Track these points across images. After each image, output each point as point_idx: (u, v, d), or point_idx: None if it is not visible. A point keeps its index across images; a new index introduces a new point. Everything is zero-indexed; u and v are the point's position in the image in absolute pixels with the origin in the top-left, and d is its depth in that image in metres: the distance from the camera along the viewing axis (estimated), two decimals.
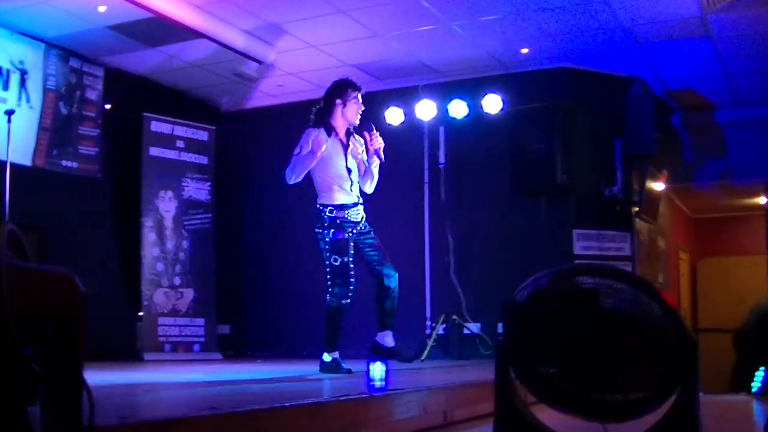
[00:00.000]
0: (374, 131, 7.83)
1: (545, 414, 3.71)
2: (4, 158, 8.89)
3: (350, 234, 7.55)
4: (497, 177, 11.20)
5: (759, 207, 15.05)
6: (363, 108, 7.86)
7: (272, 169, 12.53)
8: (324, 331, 7.65)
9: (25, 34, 9.99)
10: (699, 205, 16.94)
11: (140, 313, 10.95)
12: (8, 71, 9.89)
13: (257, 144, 12.80)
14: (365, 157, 7.81)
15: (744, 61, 10.93)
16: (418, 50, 10.72)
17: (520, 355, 3.63)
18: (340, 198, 7.61)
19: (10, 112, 9.05)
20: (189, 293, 11.41)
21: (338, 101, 7.80)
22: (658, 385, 3.40)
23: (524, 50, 10.66)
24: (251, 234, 12.74)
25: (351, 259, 7.51)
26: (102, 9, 9.33)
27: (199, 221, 11.72)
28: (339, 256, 7.49)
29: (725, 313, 15.72)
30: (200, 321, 11.47)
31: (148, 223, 11.18)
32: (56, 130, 10.33)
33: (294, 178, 7.63)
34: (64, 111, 10.46)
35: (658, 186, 12.20)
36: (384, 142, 7.83)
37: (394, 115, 11.18)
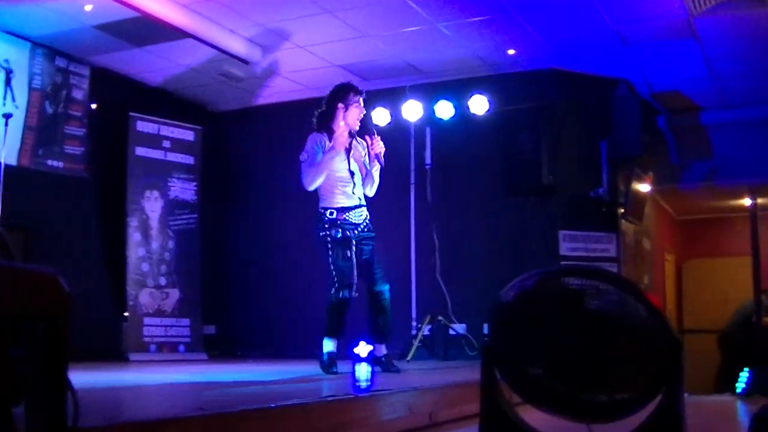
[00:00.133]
0: (375, 135, 7.87)
1: (531, 414, 3.71)
2: None
3: (351, 234, 7.58)
4: (483, 178, 11.22)
5: (744, 209, 15.09)
6: (365, 112, 7.92)
7: (259, 169, 12.60)
8: (326, 323, 7.69)
9: (10, 33, 9.96)
10: (684, 207, 16.97)
11: (125, 314, 10.91)
12: None
13: (244, 144, 12.80)
14: (367, 161, 7.85)
15: (730, 63, 10.96)
16: (405, 51, 10.72)
17: (506, 356, 3.63)
18: (342, 201, 7.66)
19: (8, 116, 9.07)
20: (174, 293, 11.39)
21: (340, 105, 7.84)
22: (644, 386, 3.40)
23: (511, 51, 10.67)
24: (237, 234, 12.73)
25: (353, 255, 7.55)
26: (88, 8, 9.31)
27: (185, 221, 11.69)
28: (342, 252, 7.54)
29: (710, 314, 15.79)
30: (186, 321, 11.44)
31: (133, 223, 11.15)
32: (42, 130, 10.30)
33: (312, 184, 7.67)
34: (49, 110, 10.42)
35: (643, 187, 12.22)
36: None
37: (380, 116, 11.16)
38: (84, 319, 10.16)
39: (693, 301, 17.40)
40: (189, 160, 11.82)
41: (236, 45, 10.21)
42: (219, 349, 11.99)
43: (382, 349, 7.80)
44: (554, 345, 3.47)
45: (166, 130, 11.61)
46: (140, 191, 11.27)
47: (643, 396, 3.40)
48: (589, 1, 9.18)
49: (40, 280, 2.75)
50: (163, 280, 11.31)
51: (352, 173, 7.75)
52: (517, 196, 10.95)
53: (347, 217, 7.63)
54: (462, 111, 11.11)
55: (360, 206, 7.76)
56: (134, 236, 11.14)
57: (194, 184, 11.84)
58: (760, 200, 14.44)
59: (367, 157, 7.87)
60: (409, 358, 10.15)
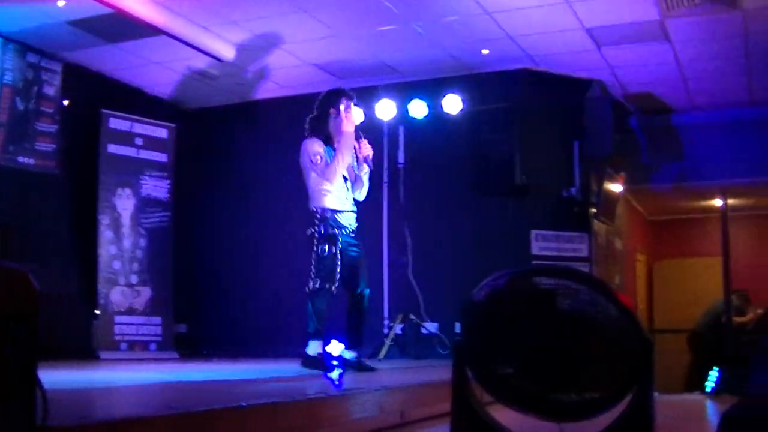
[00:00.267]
0: (362, 139, 7.93)
1: (502, 414, 3.72)
2: None
3: (339, 233, 7.61)
4: (456, 177, 11.23)
5: (715, 209, 15.17)
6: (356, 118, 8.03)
7: (232, 168, 12.57)
8: (308, 321, 7.69)
9: None
10: (656, 207, 17.06)
11: (96, 312, 10.86)
12: None
13: (217, 143, 12.77)
14: (355, 164, 7.90)
15: (701, 65, 11.02)
16: (379, 50, 10.72)
17: (477, 355, 3.64)
18: (334, 204, 7.71)
19: None
20: (146, 292, 11.34)
21: (332, 111, 7.87)
22: (614, 386, 3.42)
23: (485, 51, 10.68)
24: (210, 233, 12.69)
25: (338, 252, 7.58)
26: (61, 3, 9.25)
27: (158, 219, 11.65)
28: (328, 246, 7.57)
29: (681, 314, 15.87)
30: (157, 320, 11.40)
31: (105, 220, 11.09)
32: (12, 126, 10.22)
33: (334, 179, 7.72)
34: (20, 106, 10.34)
35: (615, 188, 12.27)
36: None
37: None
38: (55, 318, 10.13)
39: (664, 301, 17.48)
40: (162, 157, 11.77)
41: (210, 43, 10.18)
42: (190, 348, 11.95)
43: (354, 353, 7.83)
44: (525, 344, 3.48)
45: (139, 128, 11.55)
46: (112, 189, 11.21)
47: (613, 395, 3.41)
48: (562, 3, 9.20)
49: (9, 278, 2.74)
50: (134, 279, 11.26)
51: (345, 178, 7.81)
52: (490, 195, 10.96)
53: (338, 218, 7.68)
54: (435, 110, 11.12)
55: (351, 211, 7.83)
56: (106, 234, 11.08)
57: (167, 182, 11.79)
58: (730, 201, 14.52)
59: (355, 160, 7.93)
60: (380, 357, 10.16)
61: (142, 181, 11.52)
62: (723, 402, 8.22)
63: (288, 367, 8.17)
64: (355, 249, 7.82)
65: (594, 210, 11.62)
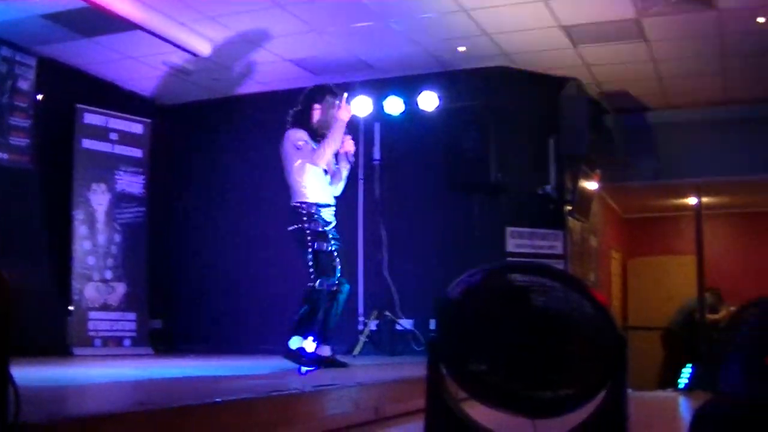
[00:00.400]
0: (346, 135, 7.96)
1: (476, 410, 3.72)
2: None
3: (327, 229, 7.66)
4: (432, 174, 11.23)
5: (689, 208, 15.26)
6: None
7: (207, 163, 12.54)
8: (304, 318, 7.68)
9: None
10: (631, 205, 17.12)
11: (70, 308, 10.81)
12: None
13: (193, 138, 12.74)
14: (333, 160, 7.95)
15: (677, 64, 11.07)
16: (355, 46, 10.71)
17: (452, 352, 3.64)
18: (317, 197, 7.76)
19: None
20: (121, 287, 11.30)
21: (317, 107, 7.90)
22: (588, 382, 3.43)
23: (461, 48, 10.69)
24: (185, 229, 12.66)
25: (333, 248, 7.61)
26: None
27: (132, 215, 11.60)
28: (323, 243, 7.61)
29: (655, 311, 15.96)
30: (132, 315, 11.36)
31: (79, 216, 11.03)
32: None
33: (322, 162, 7.83)
34: None
35: (591, 185, 12.31)
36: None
37: None
38: (28, 313, 10.06)
39: (638, 298, 17.56)
40: (137, 153, 11.73)
41: (187, 38, 10.15)
42: (165, 344, 11.91)
43: (328, 350, 7.85)
44: (499, 341, 3.48)
45: (113, 123, 11.49)
46: (87, 184, 11.16)
47: (587, 392, 3.42)
48: (539, 0, 9.22)
49: None
50: (109, 274, 11.21)
51: (326, 171, 7.86)
52: (465, 192, 10.96)
53: (322, 214, 7.72)
54: (411, 107, 11.13)
55: (331, 206, 7.88)
56: (80, 229, 11.03)
57: (142, 177, 11.74)
58: (705, 199, 14.59)
59: (334, 156, 7.98)
60: (355, 353, 10.16)
61: (117, 177, 11.46)
62: (696, 399, 8.25)
63: (263, 364, 8.16)
64: (337, 243, 7.86)
65: (569, 207, 11.65)
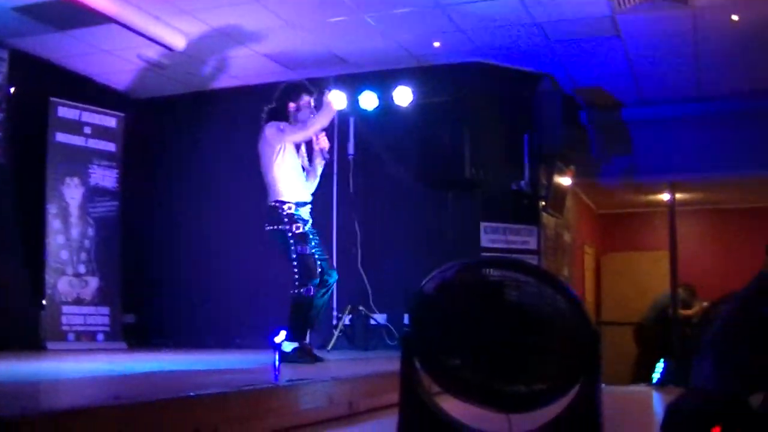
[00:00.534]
0: (321, 132, 7.99)
1: (450, 404, 3.74)
2: None
3: (306, 228, 7.70)
4: (406, 169, 11.24)
5: (662, 204, 15.32)
6: (315, 113, 8.05)
7: (181, 158, 12.51)
8: (289, 321, 7.70)
9: None
10: (605, 201, 17.19)
11: (43, 302, 10.76)
12: None
13: (166, 132, 12.71)
14: (306, 158, 8.01)
15: (651, 60, 11.11)
16: (330, 41, 10.70)
17: (426, 346, 3.65)
18: (295, 195, 7.81)
19: None
20: (94, 282, 11.25)
21: (292, 105, 7.91)
22: (562, 377, 3.45)
23: (436, 44, 10.69)
24: (158, 223, 12.62)
25: (314, 250, 7.64)
26: None
27: (106, 209, 11.55)
28: (304, 245, 7.63)
29: (628, 306, 16.03)
30: (105, 310, 11.31)
31: (52, 210, 10.97)
32: None
33: (311, 131, 7.92)
34: None
35: (565, 181, 12.34)
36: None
37: None
38: (0, 307, 10.06)
39: (611, 293, 17.63)
40: (110, 147, 11.67)
41: (160, 32, 10.11)
42: (138, 338, 11.88)
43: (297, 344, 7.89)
44: (473, 336, 3.50)
45: (87, 116, 11.43)
46: (60, 178, 11.09)
47: (561, 386, 3.44)
48: None
49: None
50: (82, 268, 11.16)
51: (303, 168, 7.89)
52: (440, 188, 10.97)
53: (301, 213, 7.74)
54: (386, 102, 11.13)
55: (308, 203, 7.91)
56: (53, 223, 10.97)
57: (115, 171, 11.68)
58: (678, 196, 14.66)
59: (308, 153, 8.03)
60: (329, 348, 10.16)
61: (91, 171, 11.40)
62: (669, 393, 8.30)
63: (236, 358, 8.16)
64: (316, 239, 7.91)
65: (543, 203, 11.69)
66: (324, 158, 8.10)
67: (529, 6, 9.44)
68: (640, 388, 11.24)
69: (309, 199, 7.98)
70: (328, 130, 8.44)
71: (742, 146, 12.30)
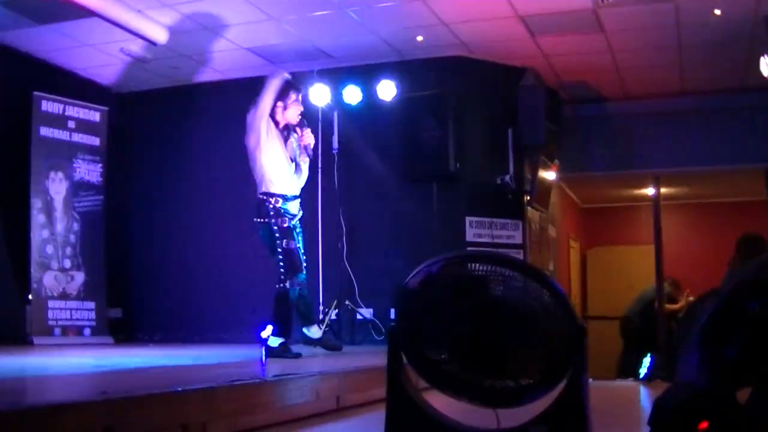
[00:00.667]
0: (306, 128, 8.02)
1: (437, 399, 3.74)
2: None
3: (292, 224, 7.71)
4: (390, 164, 11.24)
5: (647, 198, 15.35)
6: (302, 109, 8.09)
7: (166, 152, 12.48)
8: (274, 316, 7.73)
9: None
10: (589, 195, 17.22)
11: (29, 297, 10.73)
12: None
13: (150, 126, 12.68)
14: (297, 153, 8.00)
15: (634, 55, 11.14)
16: (313, 35, 10.68)
17: (412, 341, 3.66)
18: (282, 188, 7.84)
19: None
20: (79, 276, 11.24)
21: (279, 103, 7.95)
22: (548, 372, 3.45)
23: (419, 38, 10.69)
24: (143, 217, 12.60)
25: (300, 245, 7.67)
26: None
27: (90, 203, 11.53)
28: (290, 240, 7.65)
29: (613, 301, 16.06)
30: (91, 304, 11.30)
31: (37, 204, 10.94)
32: None
33: (258, 118, 7.84)
34: None
35: (549, 175, 12.37)
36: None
37: None
38: None
39: (597, 287, 17.69)
40: (94, 141, 11.65)
41: (143, 25, 10.07)
42: (125, 333, 11.88)
43: (318, 331, 8.01)
44: (459, 331, 3.50)
45: (71, 111, 11.40)
46: (44, 172, 11.06)
47: (547, 381, 3.45)
48: None
49: None
50: (67, 263, 11.14)
51: (292, 160, 7.90)
52: (424, 182, 10.97)
53: (287, 207, 7.76)
54: (369, 96, 11.14)
55: (297, 197, 7.93)
56: (38, 218, 10.94)
57: (99, 165, 11.67)
58: (663, 190, 14.68)
59: (297, 149, 8.03)
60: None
61: (75, 165, 11.38)
62: (655, 388, 8.33)
63: (223, 353, 8.16)
64: (300, 235, 7.94)
65: (528, 197, 11.72)
66: (308, 155, 8.12)
67: (511, 0, 9.45)
68: (627, 382, 11.26)
69: (297, 192, 8.00)
70: (312, 125, 8.45)
71: (726, 140, 12.36)
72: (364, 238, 11.29)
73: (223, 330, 11.51)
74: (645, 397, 8.44)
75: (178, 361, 7.43)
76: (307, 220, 8.72)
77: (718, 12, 9.59)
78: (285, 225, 7.70)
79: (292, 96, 8.01)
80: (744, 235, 10.50)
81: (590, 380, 3.52)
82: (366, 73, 11.34)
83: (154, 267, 12.40)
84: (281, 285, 7.70)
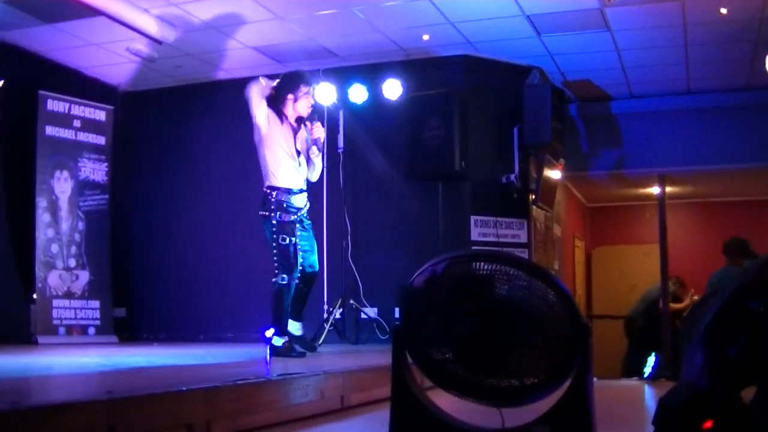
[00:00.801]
0: (316, 122, 8.03)
1: (441, 398, 3.74)
2: None
3: (295, 217, 7.68)
4: (396, 163, 11.24)
5: (652, 197, 15.33)
6: (314, 102, 8.10)
7: (171, 151, 12.48)
8: (272, 313, 7.73)
9: None
10: (595, 194, 17.19)
11: (34, 296, 10.74)
12: None
13: (156, 125, 12.68)
14: (307, 146, 8.02)
15: (640, 53, 11.12)
16: (319, 34, 10.68)
17: (416, 340, 3.65)
18: (288, 181, 7.81)
19: None
20: (84, 275, 11.24)
21: (290, 96, 7.95)
22: (553, 371, 3.45)
23: (425, 37, 10.68)
24: (149, 217, 12.60)
25: (297, 240, 7.65)
26: None
27: (96, 202, 11.54)
28: (287, 236, 7.66)
29: (618, 300, 16.06)
30: (95, 303, 11.30)
31: (42, 203, 10.94)
32: None
33: (257, 112, 7.81)
34: None
35: (554, 174, 12.35)
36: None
37: None
38: None
39: (602, 287, 17.66)
40: (100, 140, 11.65)
41: (149, 24, 10.07)
42: (129, 332, 11.89)
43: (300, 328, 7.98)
44: (464, 330, 3.49)
45: (76, 110, 11.40)
46: (49, 171, 11.07)
47: (552, 381, 3.44)
48: None
49: None
50: (72, 262, 11.15)
51: (299, 153, 7.90)
52: (429, 181, 10.95)
53: (291, 200, 7.74)
54: (375, 95, 11.13)
55: (303, 191, 7.92)
56: (43, 217, 10.95)
57: (105, 164, 11.67)
58: (668, 189, 14.67)
59: (308, 143, 8.06)
60: (320, 342, 10.15)
61: (80, 164, 11.39)
62: (660, 387, 8.33)
63: (227, 352, 8.15)
64: (306, 229, 7.93)
65: (533, 196, 11.70)
66: (318, 149, 8.12)
67: None
68: (632, 382, 11.26)
69: (303, 186, 7.98)
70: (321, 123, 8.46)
71: (732, 139, 12.34)
72: (368, 237, 11.29)
73: (227, 329, 11.52)
74: (650, 397, 8.44)
75: (182, 361, 7.42)
76: (312, 219, 8.73)
77: (724, 11, 9.57)
78: (285, 219, 7.67)
79: (303, 89, 8.01)
80: (732, 238, 10.66)
81: (595, 379, 3.51)
82: (372, 72, 11.33)
83: (158, 266, 12.40)
84: (276, 280, 7.70)
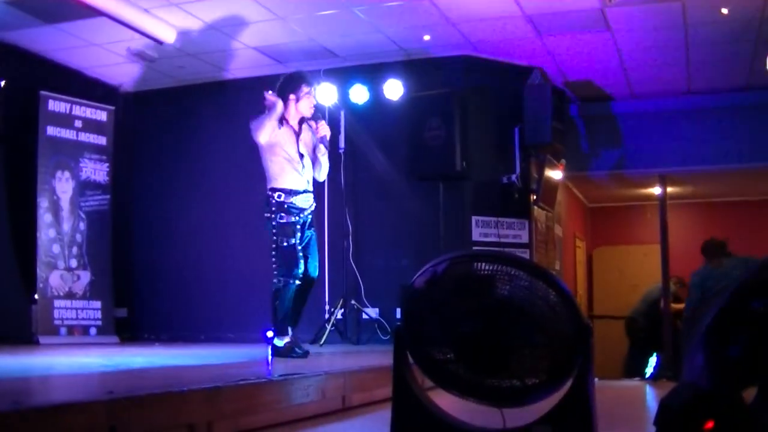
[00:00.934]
0: (320, 120, 8.02)
1: (443, 399, 3.74)
2: None
3: (297, 218, 7.67)
4: (397, 163, 11.25)
5: (653, 197, 15.32)
6: (316, 102, 8.08)
7: (172, 151, 12.49)
8: (272, 315, 7.73)
9: None
10: (595, 194, 17.19)
11: (35, 296, 10.74)
12: None
13: (156, 126, 12.69)
14: (312, 146, 8.02)
15: (641, 54, 11.13)
16: (320, 34, 10.68)
17: (418, 341, 3.65)
18: (291, 183, 7.79)
19: None
20: (85, 276, 11.24)
21: (292, 96, 7.94)
22: (554, 371, 3.45)
23: (426, 37, 10.69)
24: (149, 217, 12.60)
25: (298, 242, 7.67)
26: None
27: (97, 203, 11.54)
28: (286, 238, 7.69)
29: (619, 300, 16.06)
30: (97, 304, 11.30)
31: (43, 204, 10.94)
32: None
33: (261, 136, 7.72)
34: None
35: (555, 174, 12.35)
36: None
37: None
38: None
39: (603, 287, 17.66)
40: (101, 140, 11.65)
41: (150, 25, 10.07)
42: (130, 333, 11.89)
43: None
44: (465, 330, 3.49)
45: (77, 110, 11.40)
46: (51, 171, 11.07)
47: (553, 381, 3.44)
48: None
49: None
50: (73, 262, 11.15)
51: (301, 155, 7.88)
52: (430, 181, 10.95)
53: (294, 202, 7.73)
54: (376, 96, 11.14)
55: (307, 191, 7.90)
56: (44, 217, 10.94)
57: (106, 165, 11.67)
58: (669, 189, 14.67)
59: (313, 142, 8.05)
60: (321, 342, 10.16)
61: (82, 164, 11.39)
62: (662, 387, 8.33)
63: (229, 352, 8.15)
64: (308, 231, 7.92)
65: (534, 196, 11.70)
66: (325, 146, 8.12)
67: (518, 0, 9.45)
68: (633, 382, 11.27)
69: (308, 187, 7.96)
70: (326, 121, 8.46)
71: (733, 139, 12.35)
72: (370, 237, 11.29)
73: (228, 329, 11.52)
74: (651, 397, 8.44)
75: (183, 361, 7.43)
76: (314, 220, 8.74)
77: (725, 11, 9.58)
78: (286, 221, 7.67)
79: (304, 89, 8.00)
80: (710, 239, 10.77)
81: (596, 380, 3.52)
82: (372, 73, 11.34)
83: (159, 266, 12.40)
84: (276, 281, 7.71)
